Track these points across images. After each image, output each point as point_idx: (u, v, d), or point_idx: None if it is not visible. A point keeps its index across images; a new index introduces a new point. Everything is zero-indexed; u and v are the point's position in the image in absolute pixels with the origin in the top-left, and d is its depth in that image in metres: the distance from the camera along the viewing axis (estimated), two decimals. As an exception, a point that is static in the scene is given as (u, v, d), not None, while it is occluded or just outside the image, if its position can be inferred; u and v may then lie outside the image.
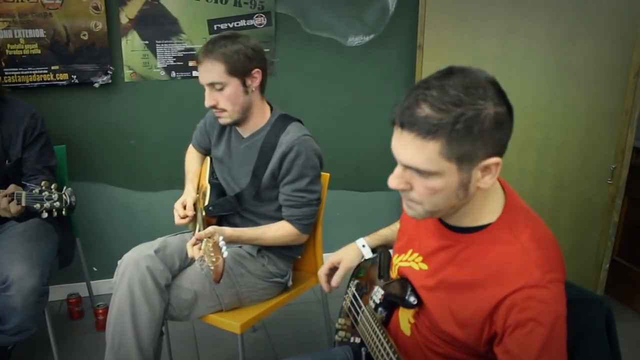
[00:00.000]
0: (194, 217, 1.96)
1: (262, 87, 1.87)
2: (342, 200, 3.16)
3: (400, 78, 3.10)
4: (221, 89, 1.78)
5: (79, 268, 2.73)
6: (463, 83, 0.98)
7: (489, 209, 1.13)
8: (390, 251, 1.51)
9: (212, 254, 1.60)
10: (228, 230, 1.80)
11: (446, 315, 1.17)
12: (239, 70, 1.77)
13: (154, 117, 2.84)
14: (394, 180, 1.08)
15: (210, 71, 1.76)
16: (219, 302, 1.87)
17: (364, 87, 3.09)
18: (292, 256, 2.04)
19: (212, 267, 1.58)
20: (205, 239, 1.66)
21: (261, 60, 1.83)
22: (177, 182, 2.87)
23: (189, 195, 2.02)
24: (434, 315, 1.20)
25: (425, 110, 0.97)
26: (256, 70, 1.81)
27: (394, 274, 1.37)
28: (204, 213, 1.91)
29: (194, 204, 1.98)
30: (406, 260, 1.31)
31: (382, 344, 1.26)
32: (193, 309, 1.87)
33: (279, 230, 1.91)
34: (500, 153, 1.03)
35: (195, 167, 2.16)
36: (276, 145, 1.85)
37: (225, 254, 1.60)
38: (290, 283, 2.05)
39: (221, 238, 1.64)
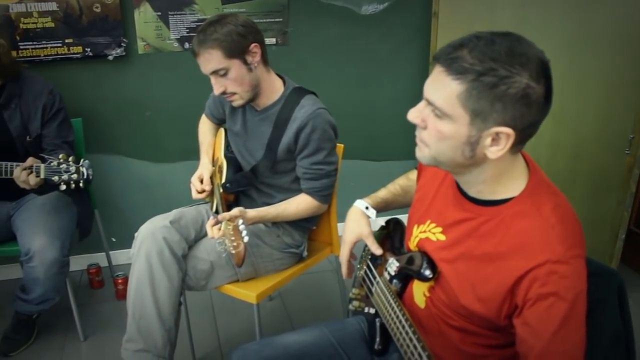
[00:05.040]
0: (211, 191, 1.98)
1: (264, 59, 1.84)
2: (356, 169, 3.15)
3: (414, 47, 3.06)
4: (225, 74, 1.76)
5: (98, 239, 2.79)
6: (512, 46, 1.00)
7: (510, 183, 1.13)
8: (399, 217, 1.53)
9: (233, 238, 1.63)
10: (251, 213, 1.80)
11: (466, 288, 1.17)
12: (236, 51, 1.74)
13: (168, 88, 2.84)
14: (413, 113, 1.10)
15: (209, 60, 1.75)
16: (235, 272, 1.90)
17: (378, 56, 3.06)
18: (307, 227, 2.06)
19: (233, 252, 1.63)
20: (225, 221, 1.68)
21: (255, 33, 1.79)
22: (192, 153, 2.88)
23: (205, 168, 2.03)
24: (453, 289, 1.20)
25: (463, 52, 1.00)
26: (253, 45, 1.78)
27: (412, 245, 1.37)
28: (221, 190, 1.92)
29: (211, 178, 2.00)
30: (424, 231, 1.31)
31: (397, 316, 1.28)
32: (210, 279, 1.90)
33: (300, 205, 1.93)
34: (516, 128, 1.02)
35: (209, 138, 2.17)
36: (290, 119, 1.84)
37: (246, 239, 1.63)
38: (305, 253, 2.07)
39: (241, 222, 1.66)
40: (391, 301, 1.33)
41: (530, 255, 1.05)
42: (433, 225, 1.29)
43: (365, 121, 3.14)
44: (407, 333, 1.21)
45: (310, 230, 2.10)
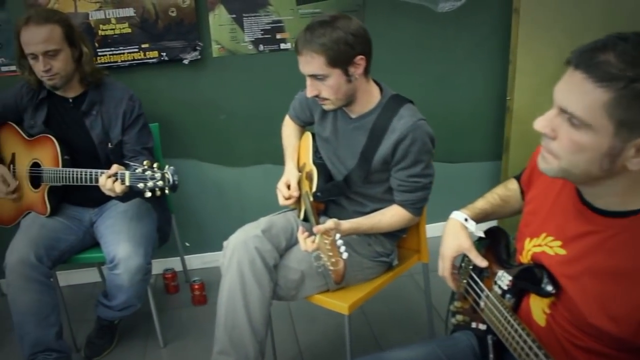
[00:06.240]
0: (299, 198, 1.93)
1: (366, 71, 1.76)
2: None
3: (493, 45, 2.95)
4: (323, 79, 1.69)
5: (173, 243, 2.77)
6: None
7: None
8: (495, 223, 1.44)
9: (330, 254, 1.57)
10: (345, 225, 1.73)
11: (595, 306, 1.08)
12: (340, 61, 1.66)
13: (243, 91, 2.81)
14: (541, 122, 1.03)
15: (310, 63, 1.67)
16: (326, 282, 1.85)
17: (455, 55, 2.96)
18: (398, 235, 1.99)
19: (331, 268, 1.57)
20: (320, 234, 1.62)
21: (364, 44, 1.70)
22: (267, 157, 2.87)
23: (291, 174, 1.97)
24: (578, 307, 1.11)
25: (609, 56, 0.92)
26: (359, 57, 1.69)
27: (525, 259, 1.29)
28: (311, 199, 1.86)
29: (298, 183, 1.94)
30: (539, 245, 1.23)
31: (519, 335, 1.19)
32: (300, 289, 1.85)
33: (394, 217, 1.85)
34: None
35: (294, 142, 2.11)
36: (388, 129, 1.76)
37: (345, 255, 1.57)
38: (395, 262, 2.00)
39: (338, 236, 1.60)
40: (509, 318, 1.25)
41: None
42: (550, 238, 1.21)
43: (441, 122, 3.02)
44: (536, 355, 1.12)
45: (400, 238, 2.03)
